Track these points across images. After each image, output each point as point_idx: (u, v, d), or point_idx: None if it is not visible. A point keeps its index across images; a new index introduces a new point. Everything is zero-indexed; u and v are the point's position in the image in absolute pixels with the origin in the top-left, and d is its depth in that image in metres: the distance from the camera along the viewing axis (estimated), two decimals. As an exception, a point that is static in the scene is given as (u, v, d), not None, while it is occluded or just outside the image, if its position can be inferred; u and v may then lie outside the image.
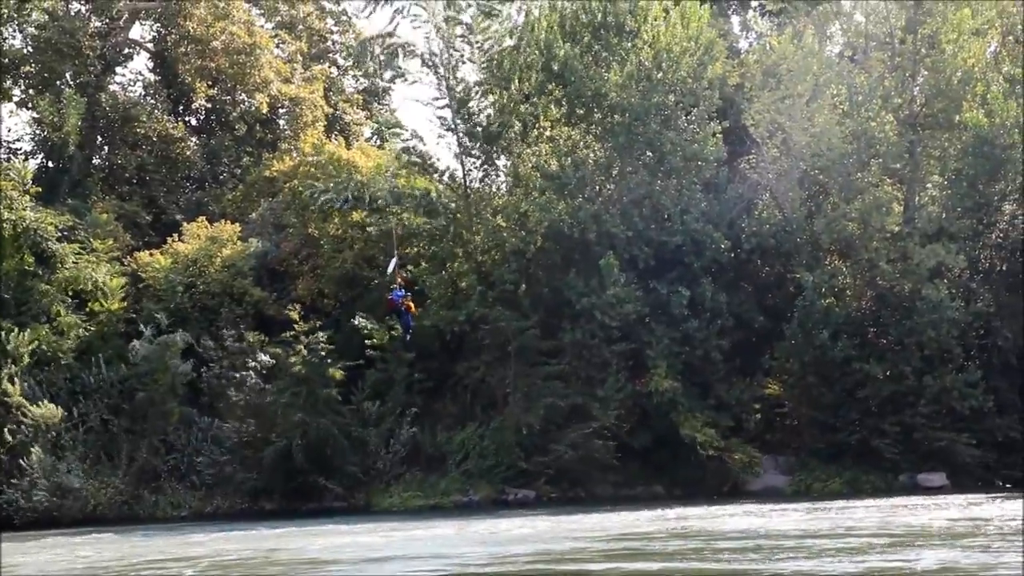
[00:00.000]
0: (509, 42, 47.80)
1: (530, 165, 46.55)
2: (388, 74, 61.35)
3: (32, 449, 42.84)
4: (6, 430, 43.06)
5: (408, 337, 43.18)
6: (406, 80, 56.24)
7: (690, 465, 42.54)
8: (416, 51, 49.70)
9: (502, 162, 48.35)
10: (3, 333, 44.61)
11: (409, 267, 46.89)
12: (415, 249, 47.54)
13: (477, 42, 47.55)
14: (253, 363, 45.30)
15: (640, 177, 45.16)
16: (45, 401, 43.65)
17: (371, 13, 61.21)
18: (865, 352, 42.53)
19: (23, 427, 43.22)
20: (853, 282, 44.70)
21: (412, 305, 40.99)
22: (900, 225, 44.00)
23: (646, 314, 43.25)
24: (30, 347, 44.75)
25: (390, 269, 43.20)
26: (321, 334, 44.61)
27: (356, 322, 45.21)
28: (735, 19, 54.50)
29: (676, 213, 44.16)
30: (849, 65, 46.45)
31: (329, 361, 44.36)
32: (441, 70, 46.97)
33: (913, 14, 45.09)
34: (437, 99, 47.43)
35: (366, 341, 45.19)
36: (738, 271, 44.94)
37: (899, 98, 44.48)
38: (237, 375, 45.21)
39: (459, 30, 47.15)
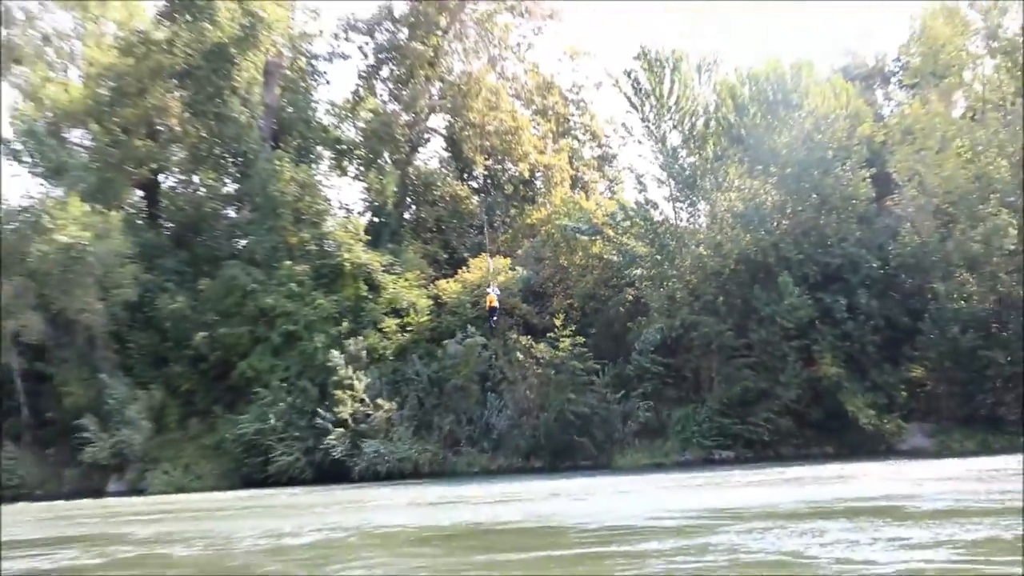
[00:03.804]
0: (702, 118, 47.49)
1: (723, 207, 46.46)
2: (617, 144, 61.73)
3: (371, 430, 45.01)
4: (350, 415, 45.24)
5: (491, 323, 45.72)
6: (629, 139, 55.53)
7: (853, 432, 41.71)
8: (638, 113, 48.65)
9: (702, 206, 48.05)
10: (349, 341, 46.92)
11: (636, 284, 47.82)
12: (640, 271, 47.52)
13: (677, 117, 47.47)
14: (528, 358, 45.70)
15: (807, 214, 44.64)
16: (386, 396, 45.60)
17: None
18: (989, 342, 41.28)
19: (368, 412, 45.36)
20: (978, 289, 43.31)
21: (492, 300, 44.37)
22: (1016, 244, 42.57)
23: (815, 318, 42.58)
24: (365, 349, 46.84)
25: (490, 267, 46.78)
26: (575, 338, 45.18)
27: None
28: (879, 91, 53.82)
29: (836, 241, 43.70)
30: (971, 123, 45.44)
31: (587, 355, 44.88)
32: (653, 136, 47.65)
33: (1021, 84, 43.79)
34: (654, 160, 48.12)
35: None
36: (886, 284, 43.89)
37: (1011, 147, 43.21)
38: (516, 366, 45.73)
39: (670, 101, 47.25)
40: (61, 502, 41.81)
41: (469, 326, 47.14)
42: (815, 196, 44.43)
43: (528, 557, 15.52)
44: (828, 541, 14.28)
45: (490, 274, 48.30)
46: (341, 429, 44.99)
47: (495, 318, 45.96)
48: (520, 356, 45.99)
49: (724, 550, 14.03)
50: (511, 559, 15.40)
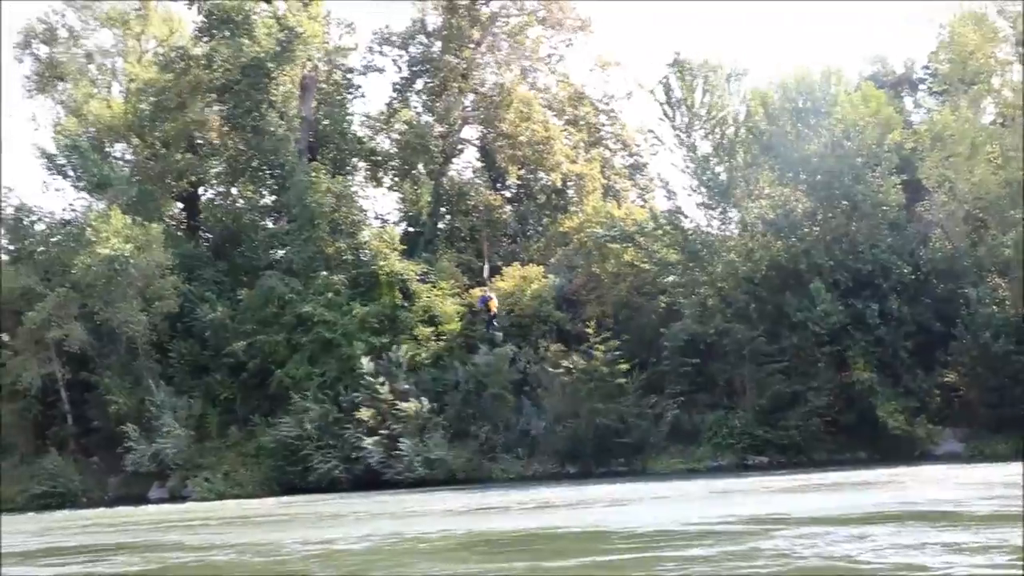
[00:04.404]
0: (731, 127, 47.51)
1: (754, 215, 46.35)
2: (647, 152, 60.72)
3: (405, 432, 44.81)
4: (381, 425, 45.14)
5: (489, 329, 46.32)
6: (659, 147, 53.38)
7: (886, 436, 41.28)
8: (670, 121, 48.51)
9: (733, 213, 47.88)
10: (391, 347, 47.12)
11: (668, 291, 47.59)
12: (672, 278, 47.60)
13: (708, 126, 47.59)
14: (561, 366, 45.18)
15: (838, 221, 44.38)
16: (419, 399, 45.46)
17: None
18: (1022, 347, 40.55)
19: (399, 415, 45.15)
20: (1011, 295, 42.93)
21: (492, 305, 44.47)
22: (1047, 249, 42.09)
23: (847, 323, 42.12)
24: (407, 356, 46.99)
25: (486, 272, 47.19)
26: (609, 344, 44.53)
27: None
28: (908, 98, 53.35)
29: (867, 247, 43.23)
30: (1000, 129, 45.12)
31: (620, 360, 44.38)
32: (684, 144, 47.66)
33: (1051, 89, 43.56)
34: (685, 169, 48.02)
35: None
36: (917, 289, 43.41)
37: (1042, 151, 42.95)
38: (549, 373, 45.39)
39: (701, 110, 47.37)
40: (104, 509, 42.21)
41: (498, 334, 46.93)
42: (845, 203, 44.15)
43: (573, 563, 15.30)
44: (878, 546, 14.05)
45: (487, 280, 48.71)
46: (376, 436, 45.01)
47: (495, 323, 46.24)
48: (550, 369, 45.62)
49: (773, 555, 13.80)
50: (556, 565, 15.19)
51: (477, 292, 48.49)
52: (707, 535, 17.20)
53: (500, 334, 47.33)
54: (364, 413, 45.23)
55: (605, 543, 17.57)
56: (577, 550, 16.94)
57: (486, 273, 48.80)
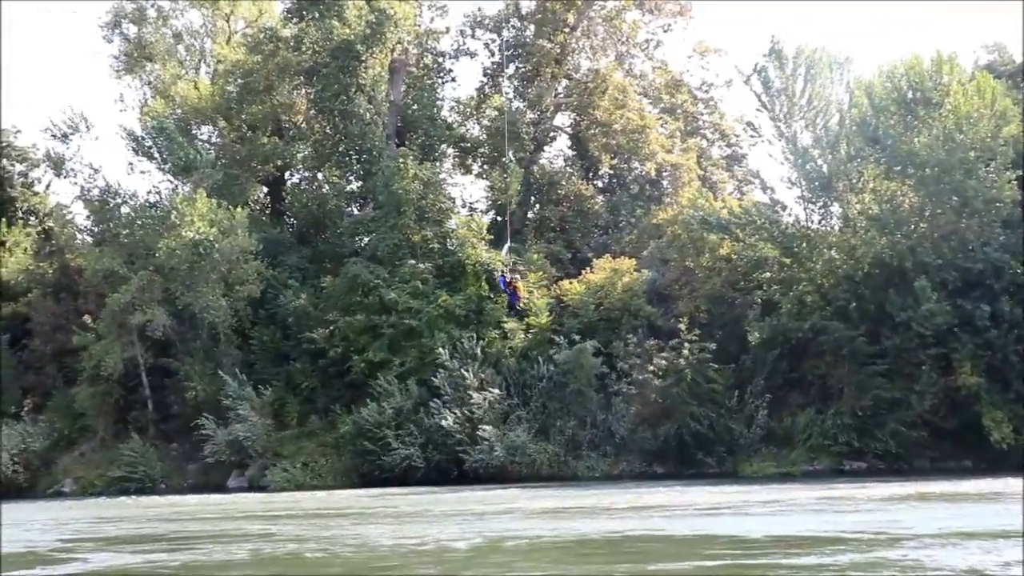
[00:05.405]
0: (834, 117, 46.93)
1: (857, 210, 45.56)
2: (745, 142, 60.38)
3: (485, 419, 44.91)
4: (462, 410, 45.16)
5: (512, 312, 46.13)
6: (758, 139, 53.45)
7: (993, 446, 40.27)
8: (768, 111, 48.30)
9: (834, 207, 47.31)
10: (466, 338, 47.15)
11: (764, 287, 46.90)
12: (768, 274, 46.98)
13: (810, 116, 47.05)
14: (651, 364, 45.00)
15: (947, 217, 43.51)
16: (493, 389, 45.63)
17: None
18: None
19: (478, 407, 45.18)
20: None
21: (520, 287, 42.41)
22: None
23: (954, 325, 41.25)
24: (481, 348, 47.02)
25: (503, 253, 46.19)
26: (700, 344, 44.34)
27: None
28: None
29: (978, 245, 42.37)
30: (1125, 122, 43.79)
31: (711, 363, 44.21)
32: (783, 136, 47.16)
33: None
34: (784, 161, 47.61)
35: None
36: None
37: None
38: (637, 371, 45.22)
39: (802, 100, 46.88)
40: (181, 497, 42.99)
41: (575, 335, 46.51)
42: (956, 199, 43.35)
43: (676, 567, 15.17)
44: (1008, 560, 13.75)
45: (502, 259, 47.44)
46: (456, 415, 45.18)
47: (517, 307, 45.71)
48: (638, 367, 45.42)
49: (900, 566, 13.53)
50: (662, 569, 15.10)
51: (498, 260, 47.41)
52: (825, 542, 16.89)
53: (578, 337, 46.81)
54: (444, 393, 45.59)
55: (710, 548, 17.42)
56: (681, 555, 16.79)
57: (504, 252, 47.10)
